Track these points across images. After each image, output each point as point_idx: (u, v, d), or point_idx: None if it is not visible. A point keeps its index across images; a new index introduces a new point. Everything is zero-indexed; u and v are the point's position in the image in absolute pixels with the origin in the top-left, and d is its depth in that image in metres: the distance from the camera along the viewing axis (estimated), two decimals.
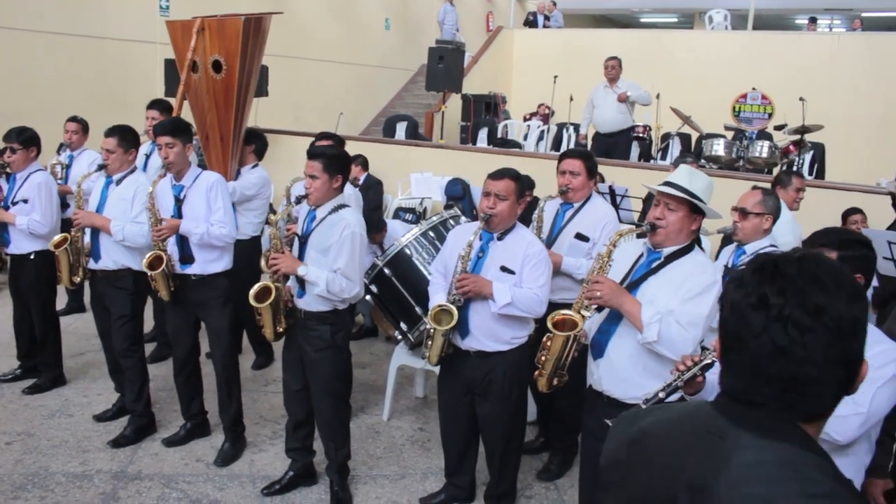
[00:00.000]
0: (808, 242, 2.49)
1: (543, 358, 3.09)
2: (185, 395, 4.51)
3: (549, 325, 3.04)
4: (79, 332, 6.21)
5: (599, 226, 4.09)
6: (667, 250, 2.96)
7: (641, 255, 3.06)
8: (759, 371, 1.20)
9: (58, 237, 4.48)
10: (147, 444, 4.48)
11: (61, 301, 5.77)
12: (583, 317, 3.02)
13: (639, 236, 3.12)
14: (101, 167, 4.41)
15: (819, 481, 1.13)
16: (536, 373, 3.14)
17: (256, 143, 5.45)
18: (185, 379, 4.49)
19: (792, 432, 1.19)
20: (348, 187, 4.58)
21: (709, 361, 2.35)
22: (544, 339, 3.08)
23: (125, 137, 4.40)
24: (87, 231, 4.47)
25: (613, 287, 2.92)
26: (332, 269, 3.65)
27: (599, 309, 3.05)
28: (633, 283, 2.99)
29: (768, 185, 4.70)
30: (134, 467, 4.22)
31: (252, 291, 3.71)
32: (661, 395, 2.38)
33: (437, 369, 4.26)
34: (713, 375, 2.48)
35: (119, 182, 4.42)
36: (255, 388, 5.34)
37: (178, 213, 4.18)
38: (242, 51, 5.10)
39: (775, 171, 8.15)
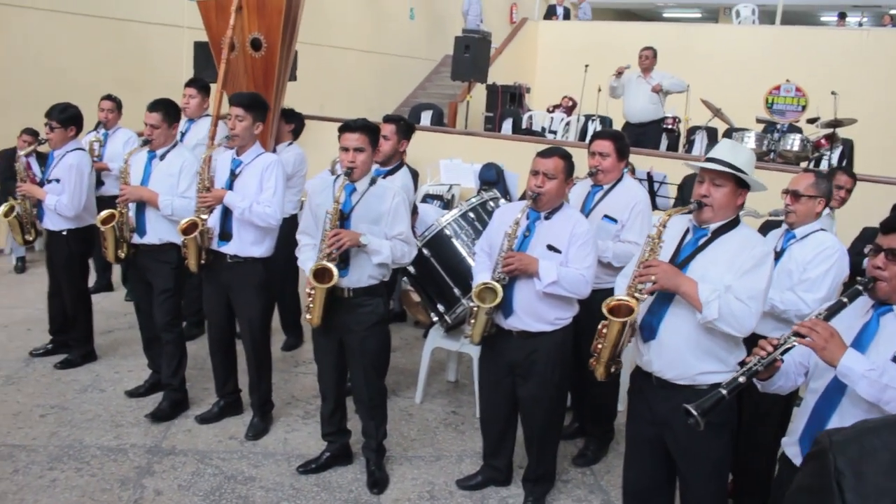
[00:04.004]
0: (886, 226, 2.39)
1: (600, 346, 2.99)
2: (220, 375, 4.49)
3: (605, 310, 2.95)
4: (107, 311, 6.20)
5: (629, 208, 4.00)
6: (713, 225, 2.90)
7: (687, 232, 2.99)
8: None
9: (104, 213, 4.44)
10: (180, 420, 4.46)
11: (90, 279, 5.75)
12: (637, 301, 2.93)
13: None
14: (145, 142, 4.39)
15: None
16: (593, 360, 3.04)
17: (296, 122, 5.42)
18: (221, 359, 4.47)
19: None
20: (403, 175, 4.54)
21: (790, 346, 2.31)
22: (600, 326, 2.98)
23: (169, 112, 4.39)
24: (132, 206, 4.45)
25: (668, 269, 2.84)
26: (388, 236, 3.64)
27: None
28: (682, 262, 2.93)
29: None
30: (168, 443, 4.20)
31: (312, 272, 3.56)
32: (741, 379, 2.34)
33: (473, 351, 4.24)
34: (789, 358, 2.45)
35: (163, 157, 4.40)
36: (286, 369, 5.32)
37: (230, 188, 4.13)
38: (284, 27, 5.06)
39: (803, 164, 8.07)
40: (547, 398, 3.65)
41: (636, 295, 2.92)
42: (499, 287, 3.42)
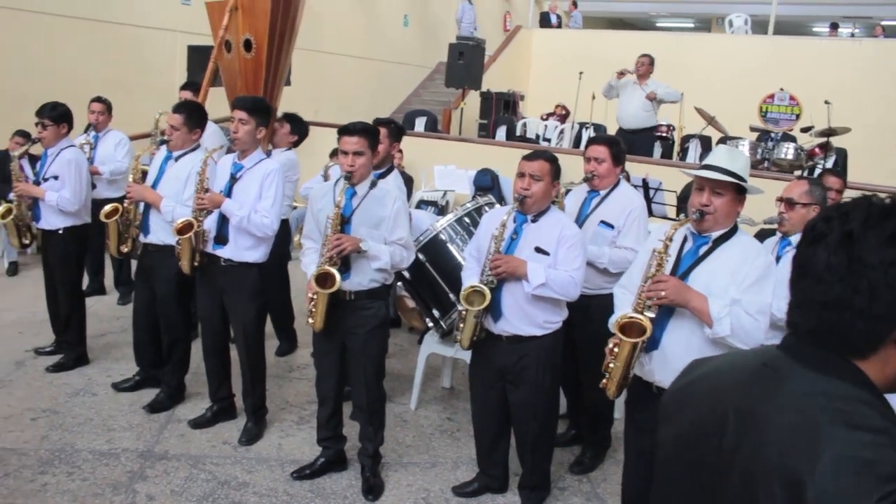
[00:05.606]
0: None
1: (611, 365, 2.95)
2: (213, 379, 4.46)
3: (616, 329, 2.92)
4: (100, 314, 6.16)
5: (625, 213, 3.99)
6: (714, 234, 2.90)
7: (685, 242, 2.99)
8: (796, 292, 1.24)
9: (108, 207, 4.50)
10: (173, 425, 4.43)
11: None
12: (649, 319, 2.88)
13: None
14: (163, 142, 4.41)
15: (868, 416, 1.12)
16: (604, 381, 3.01)
17: (299, 130, 5.39)
18: (215, 363, 4.44)
19: (846, 369, 1.19)
20: (394, 178, 4.52)
21: None
22: (611, 345, 2.95)
23: (192, 116, 4.40)
24: (142, 203, 4.46)
25: (677, 284, 2.82)
26: (388, 240, 3.64)
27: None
28: (684, 272, 2.92)
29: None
30: (160, 447, 4.17)
31: (315, 277, 3.55)
32: None
33: (467, 357, 4.22)
34: None
35: (178, 159, 4.41)
36: (280, 375, 5.28)
37: (230, 192, 4.11)
38: (271, 30, 5.06)
39: (797, 173, 8.10)
40: (538, 404, 3.63)
41: (646, 313, 2.90)
42: (486, 290, 3.41)
